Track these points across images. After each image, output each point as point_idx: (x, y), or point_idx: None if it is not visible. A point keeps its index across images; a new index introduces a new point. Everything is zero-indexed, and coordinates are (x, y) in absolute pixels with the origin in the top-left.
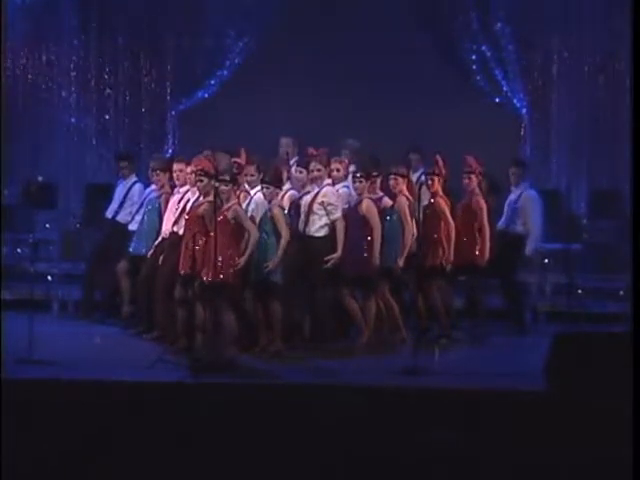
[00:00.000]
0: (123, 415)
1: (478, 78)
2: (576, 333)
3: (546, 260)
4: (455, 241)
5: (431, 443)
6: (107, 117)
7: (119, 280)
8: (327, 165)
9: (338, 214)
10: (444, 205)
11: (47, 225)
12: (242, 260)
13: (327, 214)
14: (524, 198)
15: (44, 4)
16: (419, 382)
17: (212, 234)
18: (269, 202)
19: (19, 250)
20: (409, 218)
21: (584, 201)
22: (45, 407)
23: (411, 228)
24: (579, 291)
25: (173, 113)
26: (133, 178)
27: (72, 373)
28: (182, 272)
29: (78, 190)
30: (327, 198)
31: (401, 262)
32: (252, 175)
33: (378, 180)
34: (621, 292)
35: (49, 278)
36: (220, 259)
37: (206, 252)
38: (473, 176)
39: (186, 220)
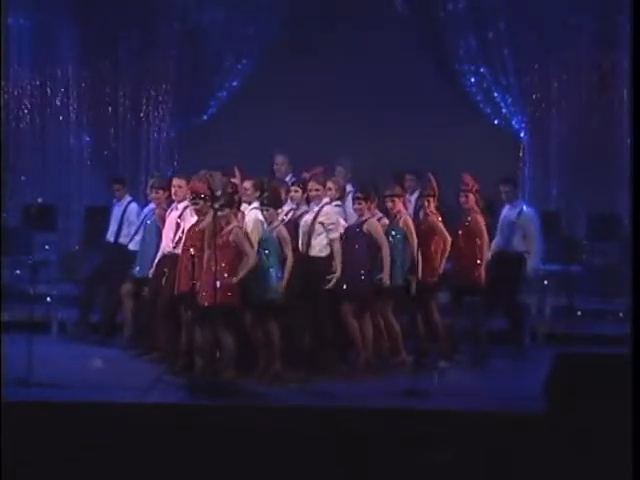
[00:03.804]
0: (123, 436)
1: (477, 100)
2: (576, 354)
3: (545, 282)
4: (458, 261)
5: (431, 465)
6: (107, 139)
7: (123, 302)
8: (325, 185)
9: (337, 233)
10: (437, 224)
11: (46, 247)
12: (234, 280)
13: (327, 233)
14: (523, 216)
15: (44, 27)
16: (419, 404)
17: (212, 255)
18: (269, 223)
19: (18, 271)
20: (415, 236)
21: (583, 223)
22: (44, 428)
23: (415, 247)
24: (579, 313)
25: (173, 135)
26: (127, 198)
27: (71, 395)
28: (181, 294)
29: (77, 212)
30: (327, 217)
31: (414, 281)
32: (247, 189)
33: (375, 202)
34: (621, 314)
35: (48, 299)
36: (220, 281)
37: (206, 274)
38: (470, 194)
39: (184, 242)
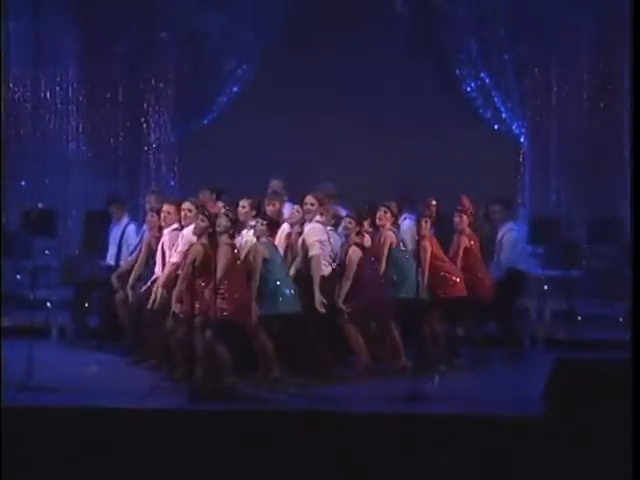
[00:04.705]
0: (122, 442)
1: (477, 105)
2: (575, 359)
3: (545, 286)
4: (447, 279)
5: (431, 470)
6: (107, 144)
7: (118, 310)
8: (322, 203)
9: (316, 251)
10: (428, 249)
11: (47, 252)
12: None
13: (308, 250)
14: (506, 239)
15: (44, 32)
16: (419, 408)
17: (208, 274)
18: (257, 238)
19: (19, 276)
20: (386, 254)
21: (583, 227)
22: (44, 433)
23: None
24: (578, 317)
25: (173, 139)
26: (125, 220)
27: (71, 399)
28: (177, 311)
29: (78, 217)
30: (307, 236)
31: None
32: (244, 207)
33: (365, 221)
34: (620, 318)
35: (48, 304)
36: (217, 297)
37: (205, 290)
38: (464, 216)
39: (184, 256)
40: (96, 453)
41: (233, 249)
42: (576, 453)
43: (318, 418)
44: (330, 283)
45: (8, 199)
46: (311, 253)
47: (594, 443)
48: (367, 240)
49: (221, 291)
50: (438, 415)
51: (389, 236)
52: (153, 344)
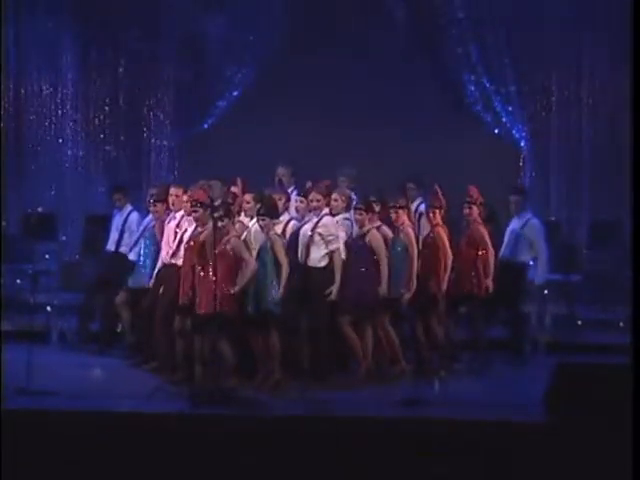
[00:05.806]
0: (122, 445)
1: (477, 109)
2: (576, 364)
3: (546, 291)
4: (459, 271)
5: (431, 474)
6: (107, 149)
7: (119, 311)
8: (326, 195)
9: (337, 244)
10: (444, 235)
11: (47, 256)
12: (236, 289)
13: (326, 244)
14: (530, 227)
15: (45, 35)
16: (419, 413)
17: (211, 265)
18: (267, 233)
19: (19, 281)
20: (416, 250)
21: (584, 231)
22: (44, 437)
23: (415, 259)
24: (579, 322)
25: (173, 144)
26: (128, 207)
27: (71, 403)
28: (181, 303)
29: (78, 221)
30: (326, 228)
31: (407, 294)
32: (248, 203)
33: (376, 212)
34: (621, 323)
35: (48, 309)
36: (219, 291)
37: (205, 283)
38: (474, 206)
39: (185, 250)
40: (96, 457)
41: (236, 241)
42: (577, 457)
43: (318, 423)
44: (326, 274)
45: (8, 203)
46: (332, 247)
47: (594, 447)
48: (384, 230)
49: (223, 285)
50: (437, 420)
51: (411, 234)
52: (159, 344)
